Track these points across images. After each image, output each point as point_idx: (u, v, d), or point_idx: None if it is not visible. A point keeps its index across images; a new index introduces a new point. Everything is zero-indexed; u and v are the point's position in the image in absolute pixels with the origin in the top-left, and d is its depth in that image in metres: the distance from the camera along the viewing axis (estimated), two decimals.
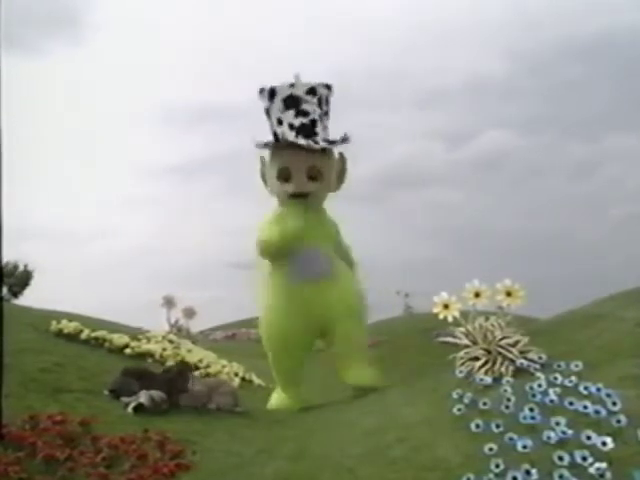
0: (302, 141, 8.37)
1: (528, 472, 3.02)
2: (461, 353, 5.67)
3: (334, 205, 9.39)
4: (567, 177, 65.95)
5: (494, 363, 5.29)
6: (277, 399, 8.65)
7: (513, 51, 63.50)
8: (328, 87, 8.82)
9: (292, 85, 8.57)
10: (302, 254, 8.44)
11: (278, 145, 8.60)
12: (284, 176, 8.65)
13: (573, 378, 4.19)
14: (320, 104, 8.62)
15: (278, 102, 8.53)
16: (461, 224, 56.92)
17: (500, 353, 5.37)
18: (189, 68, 70.42)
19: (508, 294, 5.89)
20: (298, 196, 8.63)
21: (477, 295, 5.97)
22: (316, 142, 8.47)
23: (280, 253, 8.39)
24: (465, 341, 5.80)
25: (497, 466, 3.20)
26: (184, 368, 7.80)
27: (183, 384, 7.17)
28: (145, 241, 62.53)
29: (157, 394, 6.62)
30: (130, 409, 6.33)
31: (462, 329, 5.89)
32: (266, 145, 8.73)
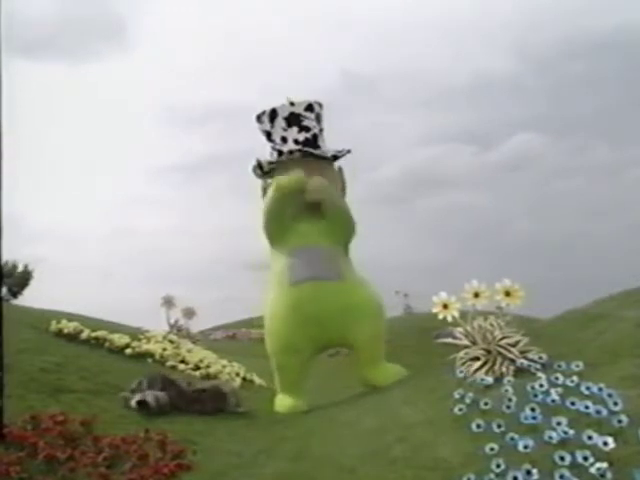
0: (313, 151, 8.76)
1: (529, 472, 3.02)
2: (461, 353, 5.66)
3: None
4: (583, 179, 65.62)
5: (494, 363, 5.29)
6: (282, 401, 8.56)
7: (525, 50, 63.37)
8: (320, 105, 9.25)
9: (292, 104, 8.97)
10: (303, 252, 8.49)
11: (282, 162, 8.87)
12: None
13: (574, 378, 4.18)
14: (318, 120, 9.09)
15: (280, 121, 8.91)
16: (470, 226, 56.93)
17: (500, 353, 5.36)
18: (191, 68, 70.52)
19: (507, 294, 5.88)
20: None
21: (476, 295, 5.96)
22: (324, 153, 8.90)
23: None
24: (465, 341, 5.80)
25: (498, 466, 3.20)
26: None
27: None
28: (145, 241, 62.56)
29: (162, 396, 6.62)
30: (134, 403, 6.35)
31: (461, 329, 5.89)
32: (273, 163, 9.01)
